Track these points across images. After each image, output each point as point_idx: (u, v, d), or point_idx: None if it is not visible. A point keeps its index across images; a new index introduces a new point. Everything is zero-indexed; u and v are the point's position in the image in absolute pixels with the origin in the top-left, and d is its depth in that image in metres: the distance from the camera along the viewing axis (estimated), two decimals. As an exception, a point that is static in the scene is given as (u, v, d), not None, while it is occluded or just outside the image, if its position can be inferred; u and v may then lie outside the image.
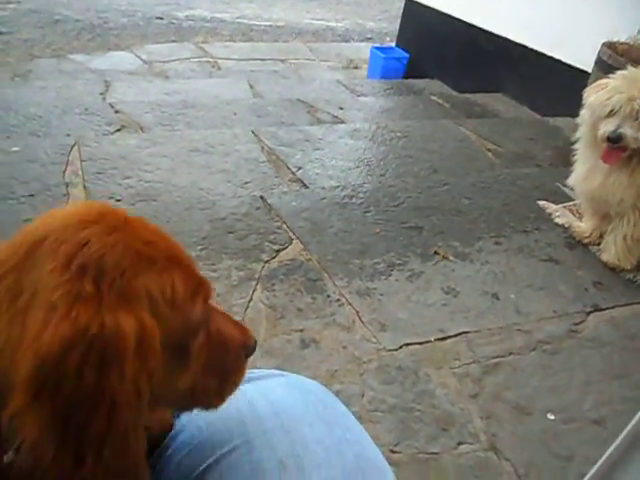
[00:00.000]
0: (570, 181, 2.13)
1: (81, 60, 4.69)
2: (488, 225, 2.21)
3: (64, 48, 5.14)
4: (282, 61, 5.40)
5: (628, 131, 1.76)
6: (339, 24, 7.17)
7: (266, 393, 0.78)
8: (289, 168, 2.63)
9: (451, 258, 1.99)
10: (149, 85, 4.06)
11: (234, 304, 1.64)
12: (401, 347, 1.61)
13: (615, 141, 1.77)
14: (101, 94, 3.68)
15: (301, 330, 1.61)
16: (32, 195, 2.25)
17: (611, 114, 1.78)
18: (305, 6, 8.01)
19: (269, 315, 1.64)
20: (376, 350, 1.59)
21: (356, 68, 5.51)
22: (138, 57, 4.89)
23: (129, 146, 2.69)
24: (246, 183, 2.47)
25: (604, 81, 1.88)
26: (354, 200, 2.25)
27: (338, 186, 2.37)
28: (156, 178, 2.44)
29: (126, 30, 5.94)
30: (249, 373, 0.82)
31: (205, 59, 5.10)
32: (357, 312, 1.70)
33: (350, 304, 1.73)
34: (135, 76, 4.34)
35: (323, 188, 2.37)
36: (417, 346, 1.63)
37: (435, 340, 1.66)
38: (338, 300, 1.74)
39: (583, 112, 1.94)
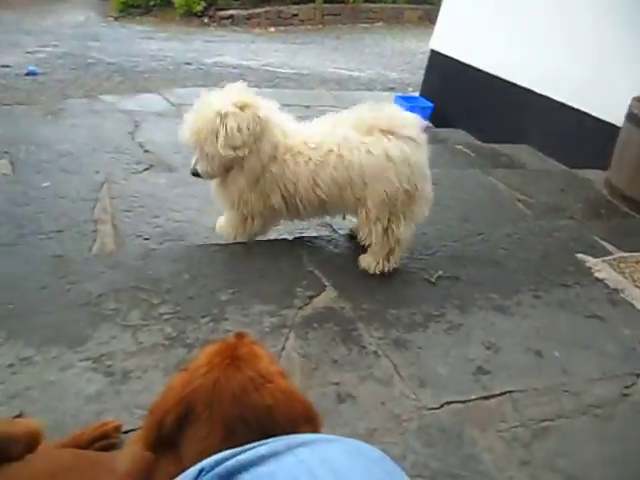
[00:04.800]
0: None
1: (111, 101, 4.78)
2: (527, 277, 2.13)
3: (95, 89, 5.28)
4: (306, 107, 5.47)
5: None
6: (362, 74, 7.32)
7: (327, 460, 0.70)
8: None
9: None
10: (177, 126, 4.10)
11: (266, 352, 1.55)
12: (442, 405, 1.51)
13: None
14: (130, 134, 3.73)
15: (337, 383, 1.52)
16: (60, 231, 2.23)
17: None
18: (329, 56, 8.23)
19: (303, 365, 1.56)
20: (416, 408, 1.49)
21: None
22: (166, 99, 4.98)
23: (158, 185, 2.69)
24: (274, 226, 2.43)
25: None
26: (387, 247, 2.18)
27: (371, 232, 2.31)
28: (184, 218, 2.41)
29: (156, 74, 6.11)
30: (299, 436, 0.74)
31: (232, 103, 5.19)
32: (395, 365, 1.61)
33: (387, 357, 1.64)
34: (163, 117, 4.39)
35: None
36: (459, 405, 1.52)
37: (478, 399, 1.55)
38: (375, 352, 1.65)
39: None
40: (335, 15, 11.19)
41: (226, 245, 2.09)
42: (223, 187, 1.98)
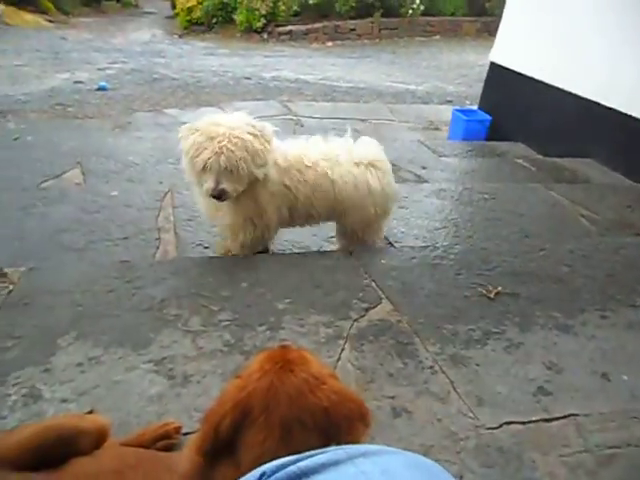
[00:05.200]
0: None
1: (175, 114, 4.99)
2: (592, 296, 2.04)
3: (160, 103, 5.51)
4: (362, 121, 5.50)
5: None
6: (419, 87, 7.29)
7: (387, 471, 0.69)
8: (374, 225, 2.59)
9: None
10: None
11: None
12: (501, 425, 1.46)
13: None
14: (192, 146, 3.86)
15: (392, 397, 1.50)
16: (126, 238, 2.33)
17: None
18: (385, 69, 8.25)
19: (358, 378, 1.55)
20: (474, 427, 1.45)
21: (436, 129, 5.52)
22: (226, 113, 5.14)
23: (218, 196, 2.76)
24: (331, 237, 2.45)
25: None
26: (445, 262, 2.15)
27: (428, 246, 2.29)
28: (243, 228, 2.46)
29: (216, 88, 6.32)
30: (361, 446, 0.74)
31: (289, 117, 5.29)
32: (452, 382, 1.58)
33: (444, 372, 1.61)
34: (223, 130, 4.53)
35: (412, 247, 2.30)
36: (519, 426, 1.47)
37: (539, 421, 1.49)
38: (431, 367, 1.62)
39: None
40: (392, 29, 11.24)
41: (283, 255, 2.12)
42: (236, 204, 2.01)
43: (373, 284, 1.96)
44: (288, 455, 0.70)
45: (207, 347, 1.62)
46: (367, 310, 1.83)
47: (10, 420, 1.34)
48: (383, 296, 1.90)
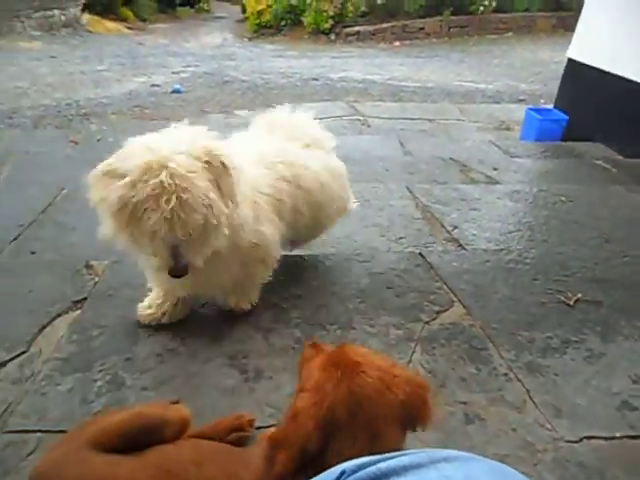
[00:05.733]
0: None
1: (245, 115, 5.11)
2: (683, 307, 1.90)
3: (231, 105, 5.67)
4: (430, 121, 5.41)
5: None
6: (489, 86, 7.08)
7: (471, 477, 0.68)
8: (444, 226, 2.54)
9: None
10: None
11: (392, 364, 1.55)
12: (582, 439, 1.39)
13: None
14: (262, 146, 3.94)
15: (464, 403, 1.47)
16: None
17: None
18: (455, 69, 8.08)
19: (429, 381, 1.53)
20: (552, 439, 1.39)
21: (508, 129, 5.34)
22: (295, 114, 5.21)
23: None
24: (400, 238, 2.42)
25: None
26: (520, 266, 2.08)
27: (502, 249, 2.22)
28: (313, 228, 2.49)
29: (285, 90, 6.42)
30: (442, 450, 0.73)
31: (356, 117, 5.29)
32: (528, 391, 1.52)
33: (520, 381, 1.55)
34: (292, 131, 4.59)
35: (485, 250, 2.23)
36: (601, 441, 1.40)
37: (624, 437, 1.41)
38: (506, 374, 1.57)
39: None
40: (462, 27, 10.99)
41: (352, 255, 2.12)
42: (215, 260, 1.45)
43: (445, 287, 1.92)
44: (374, 453, 0.70)
45: (278, 344, 1.65)
46: (438, 313, 1.79)
47: (96, 404, 1.42)
48: (455, 299, 1.86)
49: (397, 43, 10.41)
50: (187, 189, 1.23)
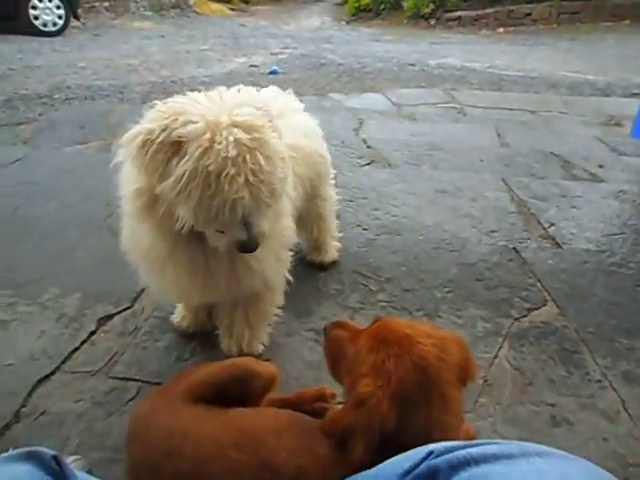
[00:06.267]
0: None
1: (339, 99, 5.13)
2: None
3: (326, 87, 5.70)
4: (531, 112, 5.15)
5: None
6: (599, 77, 6.60)
7: (565, 476, 0.66)
8: (540, 223, 2.43)
9: None
10: (398, 125, 4.23)
11: (478, 357, 1.52)
12: (681, 459, 1.31)
13: None
14: (354, 130, 3.95)
15: (552, 405, 1.42)
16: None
17: None
18: (562, 58, 7.61)
19: (515, 378, 1.49)
20: (646, 453, 1.31)
21: (617, 125, 4.96)
22: (389, 99, 5.16)
23: (379, 180, 2.81)
24: (492, 232, 2.35)
25: None
26: (623, 270, 1.96)
27: (604, 251, 2.09)
28: (402, 213, 2.47)
29: (380, 74, 6.36)
30: (533, 444, 0.71)
31: (452, 105, 5.14)
32: (623, 401, 1.44)
33: (615, 390, 1.47)
34: (385, 116, 4.56)
35: (585, 251, 2.12)
36: (702, 462, 1.30)
37: None
38: (599, 381, 1.50)
39: None
40: (573, 13, 10.30)
41: (444, 243, 2.10)
42: None
43: (538, 284, 1.85)
44: (446, 419, 0.79)
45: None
46: (530, 310, 1.73)
47: (190, 362, 1.52)
48: (549, 298, 1.79)
49: (501, 29, 9.95)
50: (267, 142, 1.05)
